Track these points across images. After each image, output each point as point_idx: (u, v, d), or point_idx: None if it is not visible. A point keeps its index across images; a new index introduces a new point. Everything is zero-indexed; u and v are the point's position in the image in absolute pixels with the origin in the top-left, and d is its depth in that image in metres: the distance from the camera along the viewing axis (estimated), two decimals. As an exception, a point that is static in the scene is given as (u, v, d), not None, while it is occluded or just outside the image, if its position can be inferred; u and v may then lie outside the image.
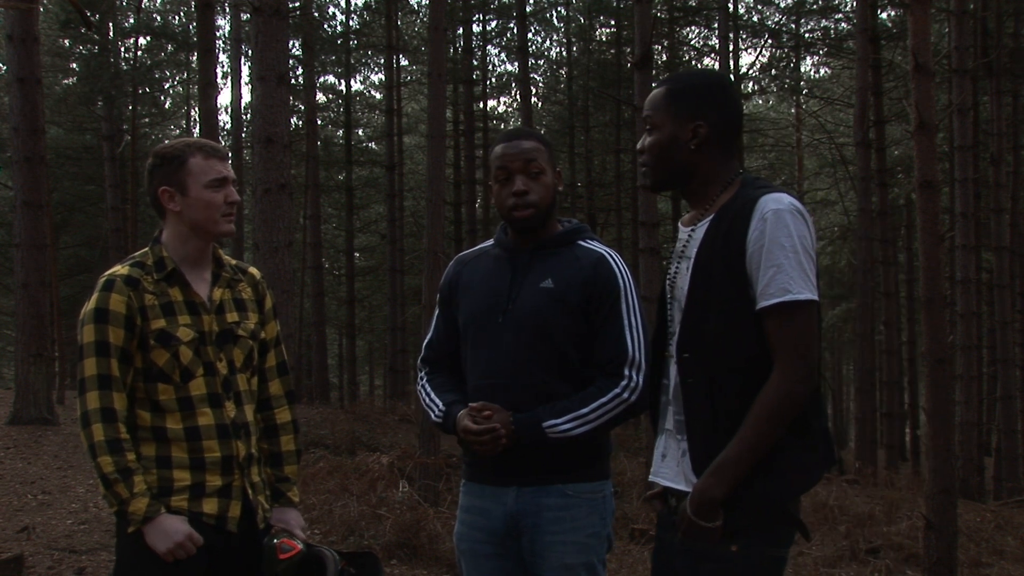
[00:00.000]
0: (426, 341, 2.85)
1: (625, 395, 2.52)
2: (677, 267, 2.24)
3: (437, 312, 2.83)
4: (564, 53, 25.77)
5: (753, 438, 2.01)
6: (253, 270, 2.74)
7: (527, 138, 2.68)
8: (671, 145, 2.22)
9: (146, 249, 2.56)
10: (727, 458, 2.03)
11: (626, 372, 2.54)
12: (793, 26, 22.68)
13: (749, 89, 23.20)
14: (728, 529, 2.05)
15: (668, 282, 2.28)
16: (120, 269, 2.50)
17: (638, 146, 2.31)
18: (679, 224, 2.31)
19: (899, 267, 21.39)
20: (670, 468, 2.23)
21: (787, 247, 2.02)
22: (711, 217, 2.17)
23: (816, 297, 2.04)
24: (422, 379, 2.79)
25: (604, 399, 2.52)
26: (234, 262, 2.71)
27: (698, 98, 2.21)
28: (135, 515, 2.35)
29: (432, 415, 2.69)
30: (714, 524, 2.04)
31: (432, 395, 2.71)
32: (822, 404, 2.14)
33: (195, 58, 19.59)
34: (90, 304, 2.45)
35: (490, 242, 2.81)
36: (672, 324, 2.25)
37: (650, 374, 2.58)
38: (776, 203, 2.05)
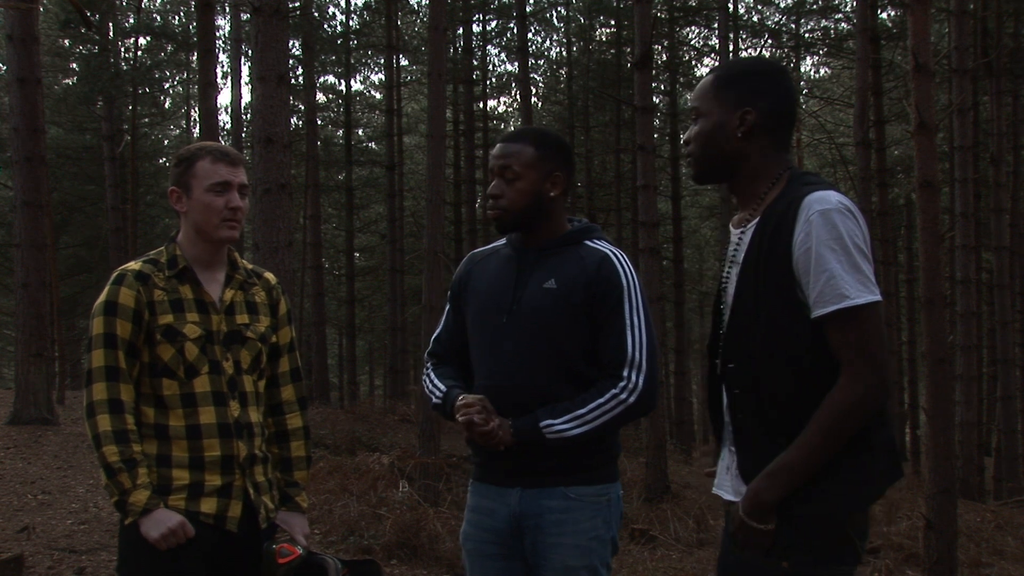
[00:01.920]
0: (435, 335, 2.88)
1: (623, 396, 2.50)
2: (728, 272, 2.14)
3: (448, 308, 2.85)
4: (564, 53, 25.79)
5: (816, 445, 1.91)
6: (269, 275, 2.78)
7: (517, 141, 2.66)
8: (717, 133, 2.12)
9: (162, 247, 2.62)
10: (784, 462, 1.94)
11: (625, 373, 2.52)
12: (793, 26, 22.69)
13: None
14: (779, 544, 1.97)
15: (721, 288, 2.18)
16: (133, 265, 2.55)
17: (684, 137, 2.22)
18: (730, 226, 2.20)
19: (899, 267, 21.39)
20: (728, 481, 2.15)
21: (838, 249, 1.91)
22: (758, 219, 2.07)
23: (876, 297, 1.93)
24: (428, 368, 2.82)
25: (602, 399, 2.51)
26: (250, 266, 2.73)
27: (747, 84, 2.11)
28: (134, 506, 2.37)
29: (433, 398, 2.72)
30: (765, 527, 1.96)
31: (436, 381, 2.74)
32: (886, 415, 2.02)
33: (195, 58, 19.58)
34: (100, 297, 2.50)
35: (503, 240, 2.80)
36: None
37: (654, 375, 2.56)
38: (822, 203, 1.94)
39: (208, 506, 2.46)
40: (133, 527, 2.40)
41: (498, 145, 2.69)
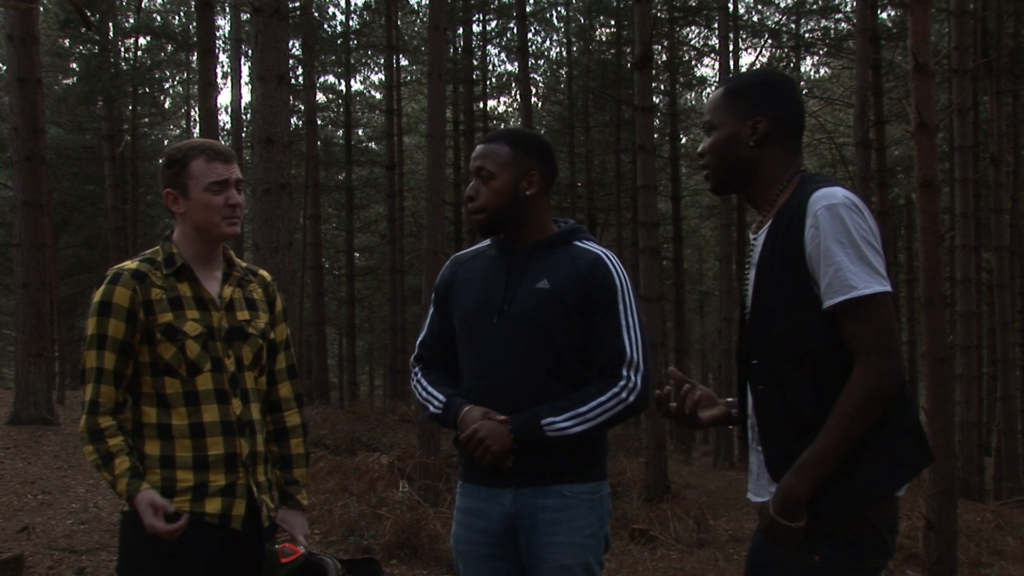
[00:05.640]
0: (419, 339, 2.86)
1: (624, 395, 2.52)
2: (747, 275, 2.20)
3: (431, 311, 2.82)
4: (564, 53, 25.80)
5: (838, 435, 1.95)
6: (264, 272, 2.78)
7: (494, 141, 2.68)
8: (731, 143, 2.20)
9: (157, 247, 2.61)
10: (811, 456, 1.97)
11: (624, 373, 2.54)
12: (793, 26, 22.68)
13: (749, 89, 23.15)
14: (810, 538, 1.99)
15: (743, 292, 2.23)
16: (129, 264, 2.54)
17: (698, 150, 2.30)
18: (748, 232, 2.27)
19: (899, 267, 21.39)
20: (756, 483, 2.19)
21: (845, 242, 1.98)
22: (770, 221, 2.14)
23: (886, 288, 2.00)
24: (416, 375, 2.79)
25: (603, 398, 2.52)
26: (245, 264, 2.73)
27: (756, 95, 2.20)
28: (121, 496, 2.42)
29: (430, 407, 2.68)
30: (797, 524, 1.99)
31: (429, 388, 2.71)
32: (908, 400, 2.06)
33: (195, 58, 19.58)
34: (95, 297, 2.49)
35: (487, 242, 2.80)
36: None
37: (650, 374, 2.58)
38: (828, 199, 2.01)
39: (213, 506, 2.46)
40: (133, 529, 2.41)
41: (477, 147, 2.69)
